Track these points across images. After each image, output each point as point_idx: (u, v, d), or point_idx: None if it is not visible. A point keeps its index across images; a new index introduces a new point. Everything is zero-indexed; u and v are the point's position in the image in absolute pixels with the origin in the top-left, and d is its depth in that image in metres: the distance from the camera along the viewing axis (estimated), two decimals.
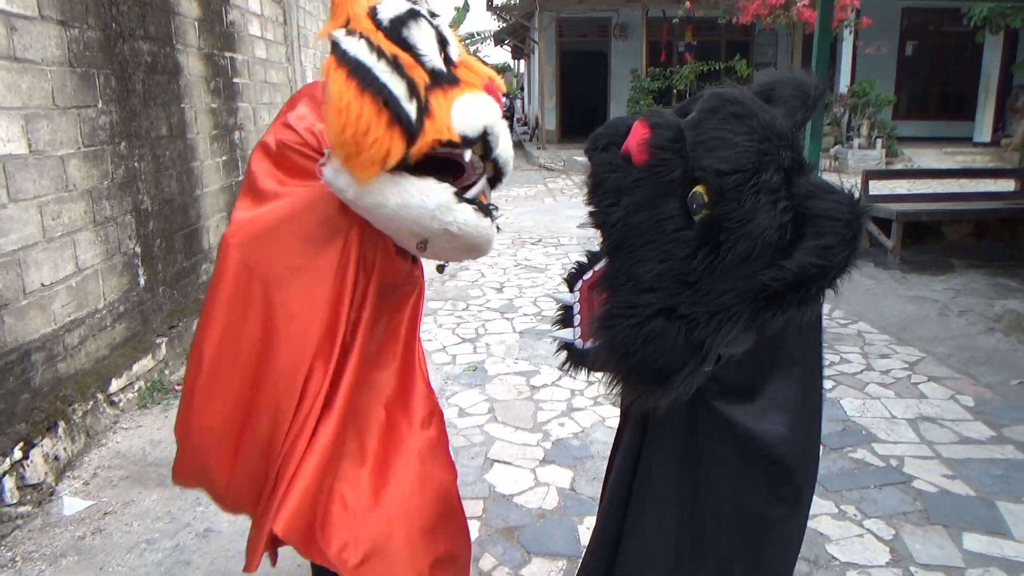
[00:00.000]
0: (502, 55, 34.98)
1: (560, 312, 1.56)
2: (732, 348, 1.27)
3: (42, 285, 3.00)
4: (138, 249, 3.81)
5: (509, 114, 20.43)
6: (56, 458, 2.91)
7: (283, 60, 6.72)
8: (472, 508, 2.65)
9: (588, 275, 1.53)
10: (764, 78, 1.46)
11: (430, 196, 1.37)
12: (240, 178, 5.39)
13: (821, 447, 2.62)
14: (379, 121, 1.27)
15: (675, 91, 14.51)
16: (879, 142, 12.94)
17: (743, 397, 1.36)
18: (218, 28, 5.03)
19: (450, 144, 1.36)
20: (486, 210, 1.47)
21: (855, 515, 2.62)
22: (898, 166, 12.82)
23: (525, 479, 2.90)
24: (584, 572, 1.65)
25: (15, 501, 2.64)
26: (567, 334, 1.53)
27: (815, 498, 2.66)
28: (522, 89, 27.93)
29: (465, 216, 1.41)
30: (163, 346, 3.92)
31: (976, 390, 3.65)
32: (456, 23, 33.91)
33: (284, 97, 6.69)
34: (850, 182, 7.78)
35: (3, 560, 2.42)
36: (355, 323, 1.54)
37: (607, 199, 1.30)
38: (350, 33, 1.34)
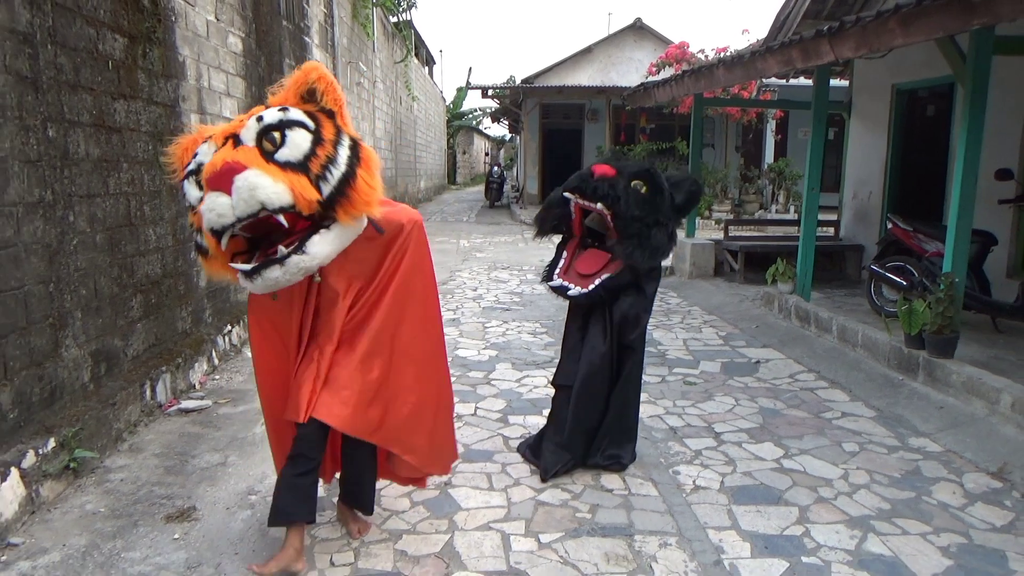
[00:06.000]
0: (501, 129, 39.07)
1: (546, 271, 3.50)
2: (673, 244, 3.53)
3: None
4: None
5: (499, 182, 23.47)
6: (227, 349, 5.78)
7: None
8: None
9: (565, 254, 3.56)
10: (674, 175, 3.75)
11: None
12: None
13: None
14: None
15: None
16: (792, 208, 16.05)
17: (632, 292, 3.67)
18: None
19: None
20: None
21: None
22: None
23: (474, 352, 5.78)
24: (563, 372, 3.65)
25: (219, 362, 5.50)
26: (559, 283, 3.40)
27: None
28: (513, 160, 31.44)
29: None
30: None
31: (730, 329, 6.56)
32: (458, 102, 37.83)
33: None
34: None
35: (212, 385, 5.26)
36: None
37: (610, 196, 3.25)
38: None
